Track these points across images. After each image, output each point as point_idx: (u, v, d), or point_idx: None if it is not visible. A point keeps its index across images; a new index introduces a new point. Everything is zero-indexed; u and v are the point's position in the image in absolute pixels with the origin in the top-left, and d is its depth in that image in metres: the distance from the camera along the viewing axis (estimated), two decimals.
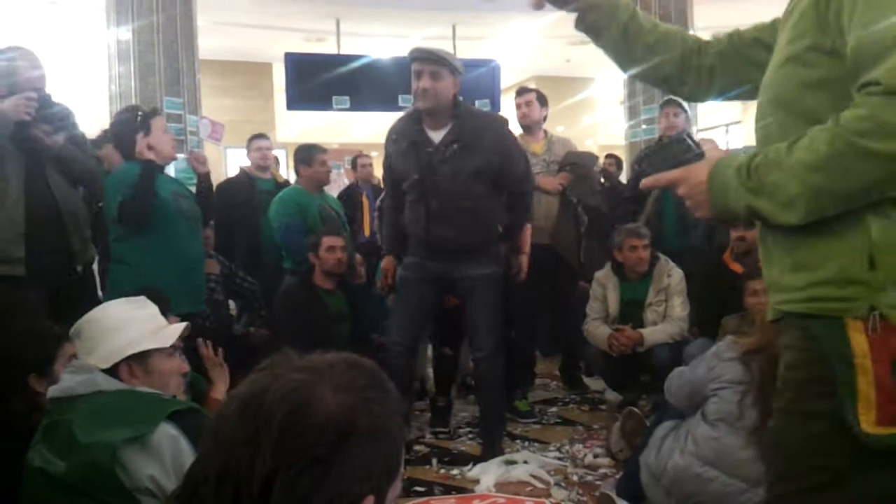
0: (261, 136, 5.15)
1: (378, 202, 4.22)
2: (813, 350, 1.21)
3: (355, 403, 0.85)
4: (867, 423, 1.14)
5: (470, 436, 3.78)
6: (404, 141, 3.33)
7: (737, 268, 3.77)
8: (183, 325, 2.01)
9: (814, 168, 1.13)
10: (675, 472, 2.56)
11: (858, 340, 1.15)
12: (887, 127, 1.07)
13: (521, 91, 4.62)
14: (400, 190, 3.41)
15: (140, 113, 3.32)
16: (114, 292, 2.95)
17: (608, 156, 7.57)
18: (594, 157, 5.05)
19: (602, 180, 5.73)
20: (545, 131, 4.63)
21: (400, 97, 7.05)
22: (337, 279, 3.85)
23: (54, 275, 3.11)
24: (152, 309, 1.99)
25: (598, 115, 12.43)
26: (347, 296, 3.91)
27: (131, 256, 3.19)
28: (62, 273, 3.14)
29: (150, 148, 3.21)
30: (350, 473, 0.82)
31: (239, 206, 4.64)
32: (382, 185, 4.64)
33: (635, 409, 3.42)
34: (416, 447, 3.62)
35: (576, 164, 4.56)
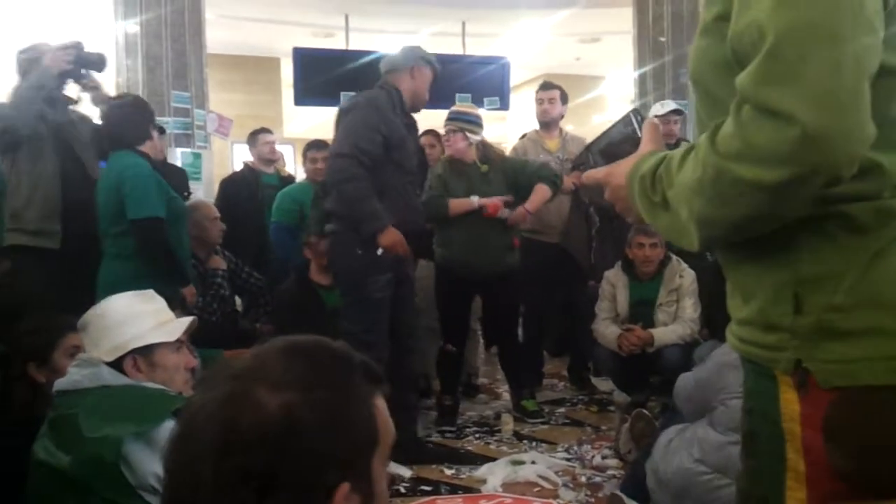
0: (264, 130, 5.15)
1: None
2: (748, 400, 1.03)
3: (295, 400, 0.77)
4: (795, 501, 0.95)
5: (477, 435, 3.75)
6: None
7: None
8: (189, 319, 2.00)
9: (694, 192, 0.92)
10: (683, 478, 2.53)
11: (789, 399, 0.95)
12: (756, 151, 0.85)
13: (547, 86, 4.59)
14: None
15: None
16: (108, 288, 2.92)
17: None
18: None
19: None
20: (561, 129, 4.60)
21: None
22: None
23: (87, 251, 3.15)
24: (159, 303, 1.99)
25: (609, 114, 12.37)
26: None
27: (126, 252, 3.11)
28: (95, 249, 3.16)
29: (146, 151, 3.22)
30: (306, 472, 0.76)
31: (244, 201, 4.64)
32: None
33: (644, 411, 3.38)
34: None
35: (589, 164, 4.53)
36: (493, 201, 3.82)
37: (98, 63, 3.33)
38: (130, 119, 3.25)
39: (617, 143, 1.17)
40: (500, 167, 3.95)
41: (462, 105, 4.40)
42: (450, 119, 3.96)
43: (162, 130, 4.62)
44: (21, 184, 3.20)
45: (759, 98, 0.84)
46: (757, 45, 0.85)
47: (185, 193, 4.39)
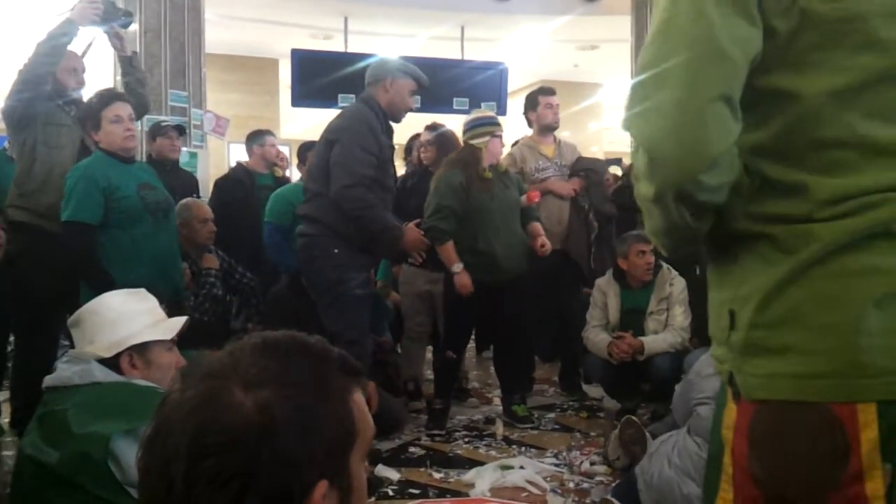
0: (268, 132, 5.15)
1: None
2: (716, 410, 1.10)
3: (271, 397, 0.76)
4: (724, 502, 1.02)
5: (466, 439, 3.75)
6: None
7: None
8: (184, 318, 2.01)
9: (640, 201, 1.04)
10: (662, 483, 2.59)
11: (730, 408, 1.02)
12: (638, 172, 0.99)
13: (552, 91, 4.63)
14: None
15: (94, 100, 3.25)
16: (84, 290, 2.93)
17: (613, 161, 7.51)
18: (606, 164, 5.05)
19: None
20: (555, 136, 4.63)
21: None
22: None
23: (73, 243, 3.15)
24: (152, 302, 2.02)
25: (605, 122, 12.41)
26: None
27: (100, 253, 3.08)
28: (83, 243, 3.15)
29: (97, 142, 3.15)
30: (283, 471, 0.75)
31: (238, 201, 4.64)
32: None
33: (634, 418, 3.40)
34: (412, 449, 3.60)
35: (591, 170, 4.57)
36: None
37: (125, 21, 3.50)
38: (88, 106, 3.26)
39: None
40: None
41: (482, 110, 4.47)
42: (481, 125, 3.96)
43: (182, 131, 4.66)
44: (35, 166, 3.32)
45: (628, 128, 0.98)
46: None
47: (194, 195, 4.41)
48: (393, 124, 3.52)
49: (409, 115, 3.61)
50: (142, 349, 1.86)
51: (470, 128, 3.99)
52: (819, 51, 0.94)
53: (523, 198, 4.03)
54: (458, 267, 3.77)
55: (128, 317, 1.89)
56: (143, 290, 2.03)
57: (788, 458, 0.95)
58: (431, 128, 4.61)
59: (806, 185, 0.95)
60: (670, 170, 0.94)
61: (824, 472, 0.93)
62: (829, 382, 0.93)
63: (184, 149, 5.16)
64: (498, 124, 4.04)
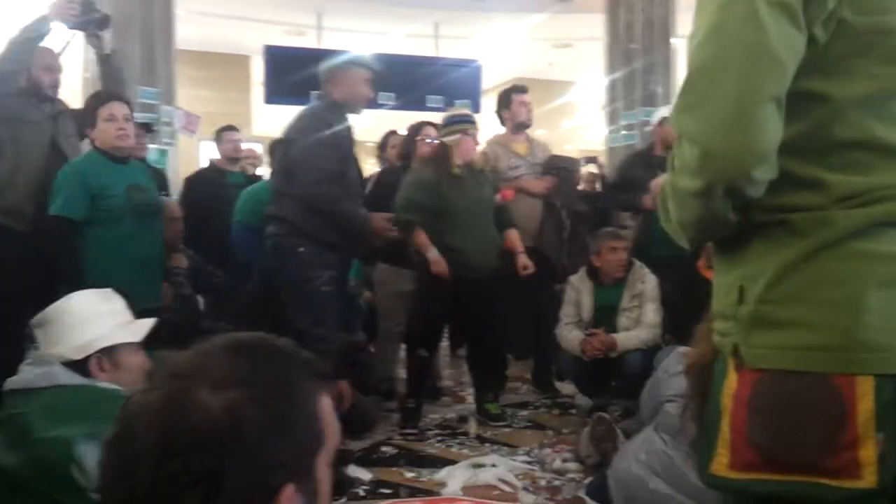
0: (230, 128, 5.13)
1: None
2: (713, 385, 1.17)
3: (238, 398, 0.75)
4: (720, 465, 1.08)
5: (439, 438, 3.75)
6: None
7: (709, 274, 3.77)
8: (152, 320, 1.99)
9: (671, 200, 1.11)
10: (630, 480, 2.61)
11: (731, 379, 1.09)
12: (684, 166, 1.05)
13: (525, 89, 4.62)
14: None
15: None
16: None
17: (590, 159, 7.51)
18: (578, 162, 5.07)
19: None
20: (527, 134, 4.63)
21: (379, 94, 7.00)
22: None
23: (54, 238, 3.13)
24: (120, 303, 1.99)
25: (578, 120, 12.45)
26: None
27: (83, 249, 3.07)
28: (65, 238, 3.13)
29: (92, 140, 3.17)
30: (249, 474, 0.74)
31: (209, 199, 4.60)
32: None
33: (605, 415, 3.41)
34: (384, 448, 3.59)
35: (564, 168, 4.58)
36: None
37: (101, 23, 3.44)
38: (85, 104, 3.28)
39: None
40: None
41: (458, 108, 4.46)
42: (455, 122, 3.96)
43: (149, 129, 4.59)
44: (1, 163, 3.23)
45: (678, 124, 1.05)
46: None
47: (163, 193, 4.35)
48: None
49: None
50: (110, 351, 1.83)
51: (444, 125, 3.99)
52: (850, 59, 1.02)
53: (497, 196, 4.03)
54: (433, 253, 3.76)
55: (96, 318, 1.86)
56: (109, 291, 2.01)
57: (789, 424, 1.02)
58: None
59: (824, 181, 1.03)
60: (726, 165, 1.00)
61: (822, 437, 1.00)
62: (831, 355, 1.01)
63: (153, 146, 5.10)
64: (472, 123, 4.03)
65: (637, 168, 4.55)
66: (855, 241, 1.01)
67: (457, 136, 3.89)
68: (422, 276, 3.87)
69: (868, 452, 0.99)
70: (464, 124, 3.95)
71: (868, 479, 0.99)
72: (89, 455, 1.58)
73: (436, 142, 4.16)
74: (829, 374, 1.00)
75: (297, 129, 3.44)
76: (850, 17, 1.00)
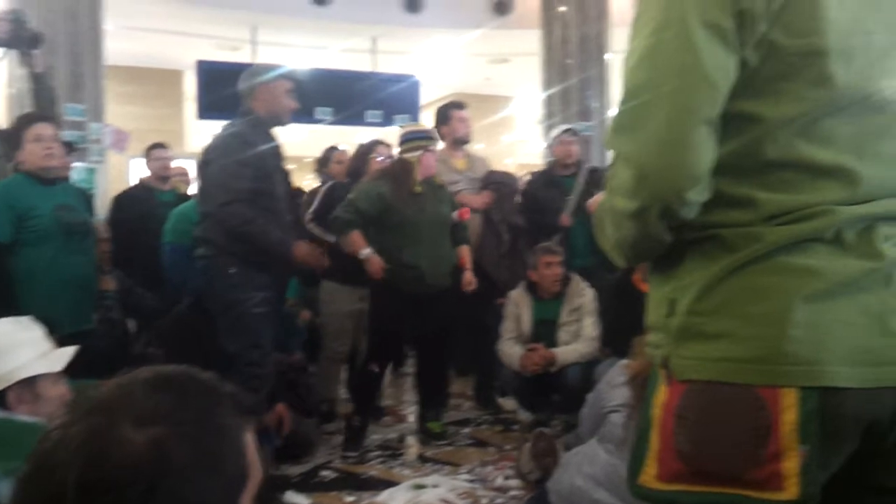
0: (159, 145, 5.00)
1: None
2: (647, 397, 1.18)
3: (164, 434, 0.72)
4: (648, 476, 1.09)
5: (380, 459, 3.69)
6: None
7: (646, 287, 3.82)
8: (72, 348, 1.92)
9: (607, 220, 1.14)
10: (573, 494, 2.60)
11: (662, 390, 1.10)
12: (619, 187, 1.08)
13: (463, 105, 4.63)
14: None
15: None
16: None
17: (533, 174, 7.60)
18: (516, 178, 5.10)
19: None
20: (465, 149, 4.64)
21: (317, 109, 6.93)
22: None
23: None
24: (38, 331, 1.94)
25: (517, 134, 12.58)
26: None
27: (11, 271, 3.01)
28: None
29: (21, 162, 3.09)
30: None
31: (138, 218, 4.47)
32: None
33: (546, 430, 3.42)
34: (324, 472, 3.51)
35: (502, 183, 4.61)
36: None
37: (32, 41, 3.43)
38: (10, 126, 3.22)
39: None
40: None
41: (415, 124, 4.50)
42: (414, 138, 3.91)
43: (71, 147, 4.43)
44: None
45: (613, 145, 1.07)
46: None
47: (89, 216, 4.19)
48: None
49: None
50: (30, 382, 1.78)
51: (403, 141, 3.95)
52: (781, 81, 1.04)
53: (454, 214, 4.01)
54: (366, 252, 3.71)
55: (14, 348, 1.81)
56: (27, 319, 1.96)
57: (714, 434, 1.03)
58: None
59: (755, 199, 1.05)
60: (661, 186, 1.02)
61: (746, 448, 1.01)
62: (756, 367, 1.01)
63: (79, 164, 4.94)
64: (432, 139, 4.02)
65: (539, 188, 4.64)
66: (782, 255, 1.03)
67: (418, 153, 3.86)
68: (377, 292, 3.81)
69: (791, 464, 0.99)
70: (424, 140, 3.92)
71: (791, 491, 0.99)
72: (6, 491, 1.50)
73: (389, 159, 4.13)
74: (755, 385, 1.01)
75: (214, 149, 3.37)
76: (780, 40, 1.02)
